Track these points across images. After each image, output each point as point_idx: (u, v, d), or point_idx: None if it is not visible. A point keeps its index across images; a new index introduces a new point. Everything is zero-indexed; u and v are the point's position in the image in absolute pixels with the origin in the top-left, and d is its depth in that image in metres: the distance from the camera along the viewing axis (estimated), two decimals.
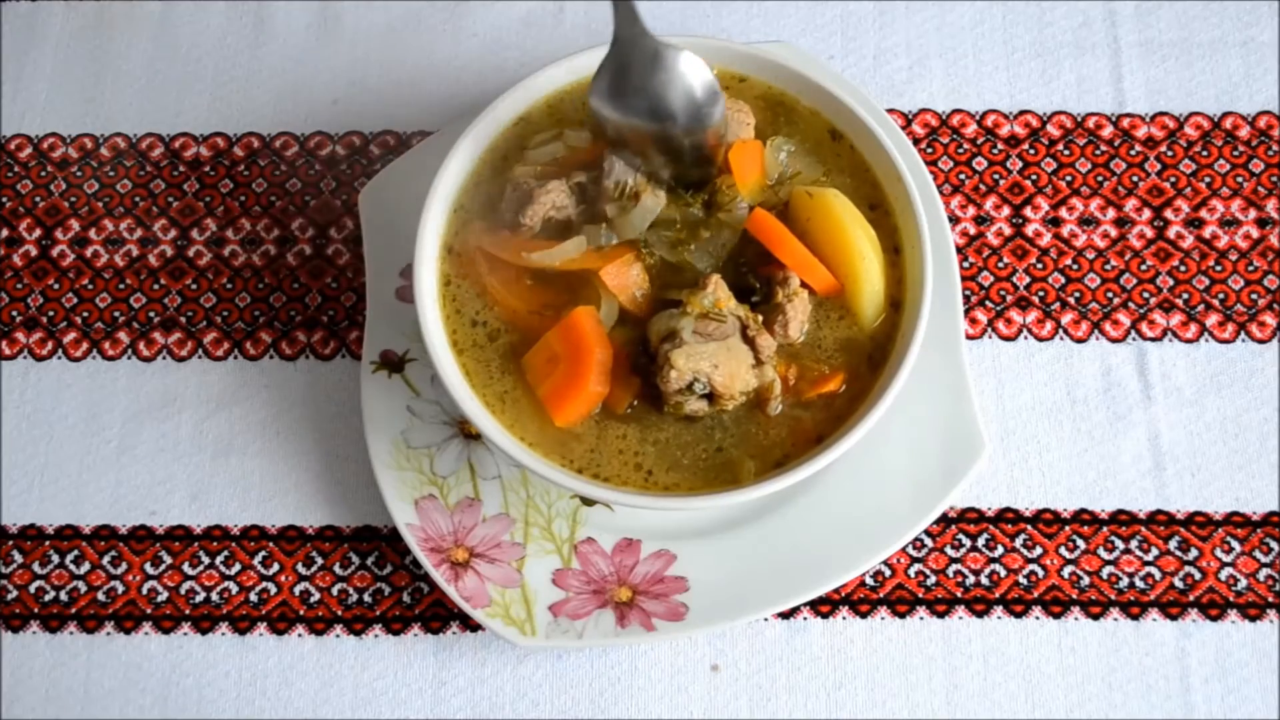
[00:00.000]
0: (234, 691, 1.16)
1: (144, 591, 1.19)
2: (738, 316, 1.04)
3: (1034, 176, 1.33)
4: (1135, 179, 1.32)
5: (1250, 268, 1.29)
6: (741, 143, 1.11)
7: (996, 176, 1.33)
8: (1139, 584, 1.18)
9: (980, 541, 1.19)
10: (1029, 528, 1.20)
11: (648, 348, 1.06)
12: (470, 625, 1.18)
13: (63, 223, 1.34)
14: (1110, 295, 1.28)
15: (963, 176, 1.33)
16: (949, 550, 1.19)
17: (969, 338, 1.26)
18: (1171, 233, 1.30)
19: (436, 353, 1.05)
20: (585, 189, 1.11)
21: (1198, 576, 1.18)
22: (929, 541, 1.19)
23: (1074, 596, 1.17)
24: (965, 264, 1.29)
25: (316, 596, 1.19)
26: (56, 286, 1.31)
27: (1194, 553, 1.18)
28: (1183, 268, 1.29)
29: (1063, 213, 1.31)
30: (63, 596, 1.19)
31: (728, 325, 1.04)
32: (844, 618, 1.17)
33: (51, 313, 1.30)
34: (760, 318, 1.05)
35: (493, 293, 1.10)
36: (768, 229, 1.07)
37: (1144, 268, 1.29)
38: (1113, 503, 1.21)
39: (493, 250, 1.10)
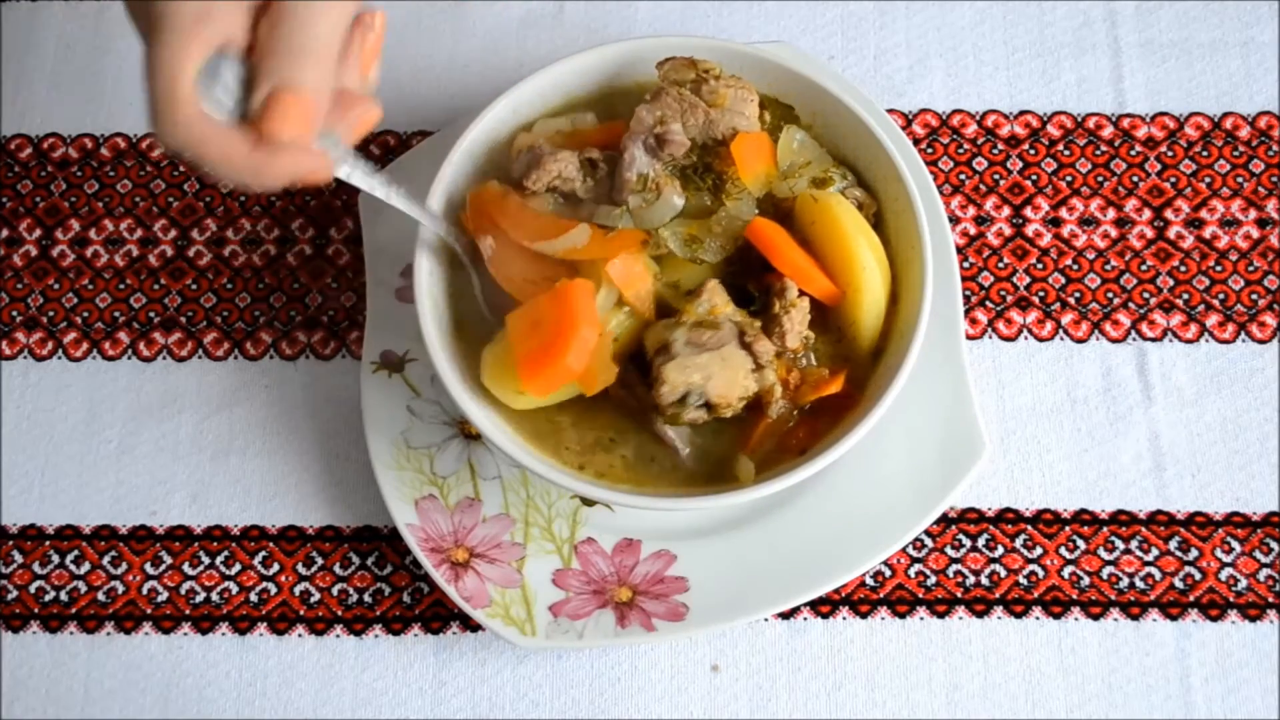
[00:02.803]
0: (234, 691, 1.16)
1: (144, 591, 1.19)
2: (735, 322, 1.03)
3: (1034, 177, 1.33)
4: (1135, 179, 1.32)
5: (1250, 268, 1.28)
6: (744, 135, 1.10)
7: (996, 177, 1.33)
8: (1139, 584, 1.17)
9: (980, 542, 1.19)
10: (1029, 528, 1.20)
11: (644, 356, 1.04)
12: (470, 625, 1.18)
13: (63, 223, 1.34)
14: (1110, 295, 1.28)
15: (963, 177, 1.33)
16: (949, 550, 1.19)
17: (969, 338, 1.26)
18: (1172, 233, 1.30)
19: (436, 353, 1.05)
20: (596, 166, 1.10)
21: (1198, 577, 1.18)
22: (929, 542, 1.19)
23: (1074, 597, 1.17)
24: (965, 264, 1.29)
25: (316, 597, 1.19)
26: (56, 286, 1.31)
27: (1194, 553, 1.18)
28: (1183, 268, 1.29)
29: (1063, 213, 1.31)
30: (63, 596, 1.19)
31: (724, 333, 1.02)
32: (844, 618, 1.17)
33: (51, 313, 1.30)
34: (759, 323, 1.04)
35: (492, 259, 1.08)
36: (766, 237, 1.06)
37: (1144, 268, 1.29)
38: (1113, 503, 1.20)
39: (496, 214, 1.08)
